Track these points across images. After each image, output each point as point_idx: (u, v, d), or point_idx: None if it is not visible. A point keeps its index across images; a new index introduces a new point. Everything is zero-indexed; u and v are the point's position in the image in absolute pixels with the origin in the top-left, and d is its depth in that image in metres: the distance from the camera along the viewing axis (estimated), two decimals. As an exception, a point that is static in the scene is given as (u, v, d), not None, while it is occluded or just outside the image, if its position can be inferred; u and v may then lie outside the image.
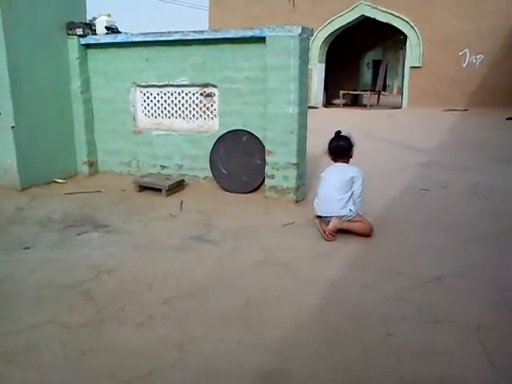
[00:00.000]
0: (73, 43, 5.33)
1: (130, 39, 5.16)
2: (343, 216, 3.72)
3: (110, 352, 2.26)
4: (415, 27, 15.76)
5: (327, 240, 3.65)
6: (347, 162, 3.88)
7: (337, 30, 17.36)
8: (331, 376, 2.07)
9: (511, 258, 3.34)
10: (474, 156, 7.05)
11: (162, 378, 2.08)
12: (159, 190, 4.92)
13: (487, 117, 12.33)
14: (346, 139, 3.88)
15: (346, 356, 2.21)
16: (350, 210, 3.72)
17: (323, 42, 17.56)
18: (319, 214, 3.87)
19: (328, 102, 19.36)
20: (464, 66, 15.45)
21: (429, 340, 2.33)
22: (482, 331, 2.39)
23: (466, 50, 15.31)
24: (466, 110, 14.52)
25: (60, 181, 5.39)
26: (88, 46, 5.43)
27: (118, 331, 2.44)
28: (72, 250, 3.51)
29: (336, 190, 3.75)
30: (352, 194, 3.74)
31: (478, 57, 15.21)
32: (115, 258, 3.35)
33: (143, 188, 5.05)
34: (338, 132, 3.96)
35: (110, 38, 5.29)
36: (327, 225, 3.73)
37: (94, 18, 5.48)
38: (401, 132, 10.05)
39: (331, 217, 3.74)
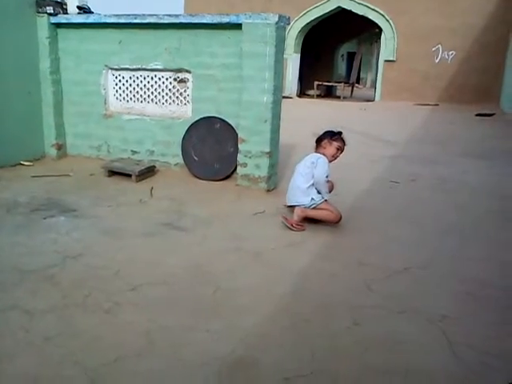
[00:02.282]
0: (42, 22, 5.16)
1: (103, 20, 5.03)
2: (304, 204, 3.73)
3: (75, 339, 2.22)
4: (390, 21, 15.89)
5: (293, 230, 3.65)
6: (320, 153, 3.85)
7: (313, 20, 17.35)
8: (298, 364, 2.08)
9: (476, 251, 3.42)
10: (443, 150, 7.19)
11: (128, 365, 2.05)
12: (129, 176, 4.84)
13: (457, 112, 12.58)
14: (325, 133, 3.88)
15: (313, 345, 2.22)
16: (313, 198, 3.73)
17: (299, 32, 17.52)
18: (286, 204, 3.91)
19: (302, 93, 19.40)
20: (436, 61, 15.68)
21: (394, 330, 2.37)
22: (445, 322, 2.44)
23: (439, 45, 15.52)
24: (437, 104, 14.77)
25: (26, 163, 5.24)
26: (59, 25, 5.26)
27: (83, 318, 2.39)
28: (37, 234, 3.42)
29: (299, 178, 3.79)
30: (315, 181, 3.73)
31: (451, 53, 15.46)
32: (82, 243, 3.28)
33: (113, 173, 4.96)
34: (340, 132, 3.94)
35: (81, 18, 5.14)
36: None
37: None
38: (373, 125, 10.16)
39: (296, 205, 3.76)
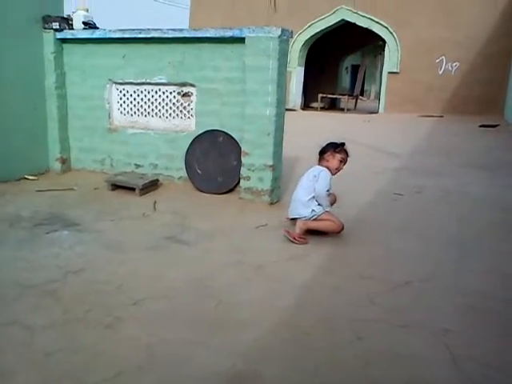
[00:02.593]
0: (48, 37, 5.22)
1: (108, 35, 5.09)
2: (305, 217, 3.73)
3: (76, 354, 2.21)
4: (394, 33, 15.96)
5: (296, 243, 3.65)
6: (323, 166, 3.85)
7: (317, 33, 17.45)
8: (300, 378, 2.07)
9: (478, 263, 3.39)
10: (447, 162, 7.17)
11: (129, 380, 2.05)
12: (133, 189, 4.86)
13: (461, 124, 12.56)
14: (328, 145, 3.88)
15: (315, 359, 2.21)
16: (313, 210, 3.72)
17: (303, 45, 17.63)
18: (288, 216, 3.92)
19: (306, 105, 19.46)
20: (440, 73, 15.71)
21: (397, 344, 2.35)
22: (448, 335, 2.42)
23: (443, 57, 15.56)
24: (442, 116, 14.77)
25: (31, 177, 5.27)
26: (64, 40, 5.32)
27: (84, 333, 2.39)
28: (40, 248, 3.43)
29: (301, 191, 3.81)
30: (316, 194, 3.73)
31: (454, 65, 15.49)
32: (84, 258, 3.29)
33: (116, 187, 4.98)
34: (343, 143, 3.93)
35: (87, 34, 5.20)
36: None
37: (73, 12, 5.38)
38: (377, 137, 10.16)
39: (298, 218, 3.77)
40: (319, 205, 3.75)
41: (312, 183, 3.75)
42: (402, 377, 2.10)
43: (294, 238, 3.66)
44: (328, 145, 3.89)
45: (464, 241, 3.85)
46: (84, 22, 5.23)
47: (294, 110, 16.71)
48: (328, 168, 3.80)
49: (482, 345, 2.35)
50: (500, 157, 7.74)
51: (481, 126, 11.85)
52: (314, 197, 3.73)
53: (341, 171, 3.88)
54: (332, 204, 3.93)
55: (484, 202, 4.98)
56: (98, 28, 5.32)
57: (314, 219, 3.72)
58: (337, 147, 3.84)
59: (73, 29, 5.28)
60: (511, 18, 14.25)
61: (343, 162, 3.84)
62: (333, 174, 3.83)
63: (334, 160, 3.80)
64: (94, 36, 5.16)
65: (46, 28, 5.19)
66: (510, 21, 14.30)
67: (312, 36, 17.52)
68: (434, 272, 3.21)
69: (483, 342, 2.38)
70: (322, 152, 3.87)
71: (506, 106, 13.96)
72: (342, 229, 3.74)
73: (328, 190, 3.75)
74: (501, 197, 5.18)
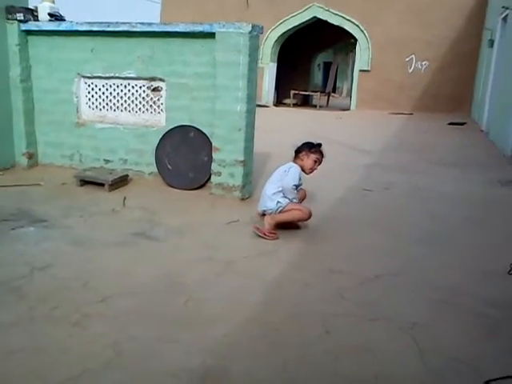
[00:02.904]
0: (12, 29, 5.06)
1: (75, 28, 4.97)
2: (271, 209, 3.76)
3: (41, 352, 2.17)
4: (365, 31, 16.11)
5: (267, 239, 3.65)
6: (296, 162, 3.88)
7: (289, 30, 17.48)
8: (268, 374, 2.07)
9: (448, 258, 3.46)
10: (417, 159, 7.29)
11: (94, 378, 2.01)
12: (102, 185, 4.77)
13: (431, 121, 12.79)
14: (304, 144, 3.90)
15: (283, 354, 2.21)
16: (279, 201, 3.75)
17: (275, 41, 17.63)
18: (258, 211, 3.98)
19: (279, 102, 19.48)
20: (410, 71, 15.94)
21: (366, 338, 2.38)
22: (416, 329, 2.46)
23: (413, 55, 15.79)
24: (411, 113, 15.00)
25: (-4, 172, 5.13)
26: (29, 32, 5.17)
27: (50, 330, 2.34)
28: (5, 245, 3.34)
29: (270, 185, 3.84)
30: (283, 187, 3.76)
31: (424, 63, 15.74)
32: (51, 254, 3.22)
33: (85, 182, 4.89)
34: (319, 144, 3.96)
35: (53, 26, 5.07)
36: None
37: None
38: (348, 133, 10.25)
39: (265, 211, 3.82)
40: (286, 198, 3.76)
41: (281, 177, 3.77)
42: (370, 371, 2.12)
43: (264, 234, 3.66)
44: (304, 144, 3.90)
45: (433, 236, 3.92)
46: (50, 14, 5.09)
47: (267, 107, 16.71)
48: (302, 167, 3.83)
49: (449, 339, 2.39)
50: (467, 154, 7.91)
51: (449, 124, 12.09)
52: (281, 190, 3.75)
53: (315, 171, 3.89)
54: (302, 200, 3.94)
55: (453, 197, 5.08)
56: (64, 20, 5.19)
57: (280, 211, 3.73)
58: (312, 147, 3.86)
59: (38, 20, 5.14)
60: (477, 20, 14.56)
61: (318, 162, 3.85)
62: (307, 174, 3.86)
63: (308, 160, 3.83)
64: (61, 28, 5.03)
65: (9, 19, 5.03)
66: (476, 22, 14.61)
67: (284, 32, 17.54)
68: (403, 267, 3.26)
69: (450, 335, 2.43)
70: (298, 151, 3.89)
71: (473, 105, 14.29)
72: (310, 216, 3.75)
73: (297, 186, 3.77)
74: (469, 193, 5.30)
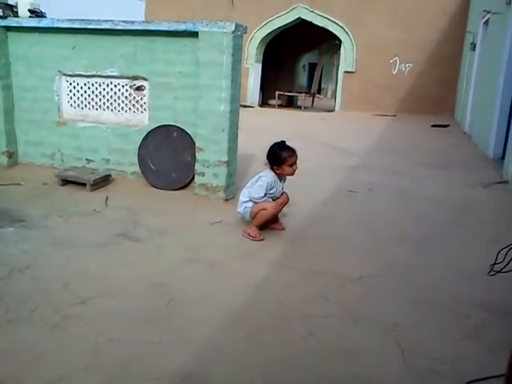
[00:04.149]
0: (-9, 25, 4.97)
1: (56, 25, 4.89)
2: (240, 213, 3.84)
3: (18, 355, 2.12)
4: (350, 33, 16.20)
5: (253, 240, 3.64)
6: (274, 171, 3.73)
7: (274, 30, 17.49)
8: (250, 376, 2.05)
9: (431, 259, 3.48)
10: (401, 160, 7.33)
11: (73, 382, 1.97)
12: (83, 185, 4.71)
13: (414, 123, 12.91)
14: (271, 156, 3.73)
15: (266, 355, 2.19)
16: (246, 207, 3.76)
17: (260, 41, 17.62)
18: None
19: (264, 102, 19.48)
20: (394, 73, 16.07)
21: (348, 339, 2.37)
22: (398, 330, 2.46)
23: (396, 58, 15.92)
24: (395, 115, 15.12)
25: (-26, 172, 5.02)
26: (9, 28, 5.07)
27: (27, 333, 2.29)
28: (-18, 246, 3.27)
29: (244, 191, 3.85)
30: (249, 197, 3.75)
31: (407, 65, 15.88)
32: (30, 255, 3.15)
33: (66, 182, 4.81)
34: (283, 141, 3.77)
35: (33, 22, 4.97)
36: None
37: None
38: (333, 135, 10.29)
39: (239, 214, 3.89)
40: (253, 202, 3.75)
41: (251, 185, 3.77)
42: (352, 372, 2.11)
43: (249, 235, 3.65)
44: (270, 156, 3.72)
45: (416, 237, 3.94)
46: (30, 10, 5.01)
47: (252, 107, 16.70)
48: (282, 175, 3.77)
49: (430, 339, 2.40)
50: (451, 156, 7.99)
51: (433, 126, 12.20)
52: (249, 200, 3.75)
53: (297, 169, 3.77)
54: (283, 205, 3.88)
55: (436, 199, 5.12)
56: (45, 17, 5.11)
57: (251, 215, 3.73)
58: (278, 160, 3.67)
59: (18, 16, 5.05)
60: (460, 23, 14.73)
61: (293, 163, 3.69)
62: (291, 175, 3.77)
63: (283, 170, 3.70)
64: (41, 25, 4.94)
65: (-13, 15, 4.95)
66: (459, 25, 14.78)
67: (269, 33, 17.54)
68: (386, 268, 3.27)
69: (432, 336, 2.43)
70: (269, 162, 3.74)
71: (456, 107, 14.46)
72: (278, 208, 3.77)
73: (264, 196, 3.70)
74: (451, 194, 5.34)
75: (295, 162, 3.72)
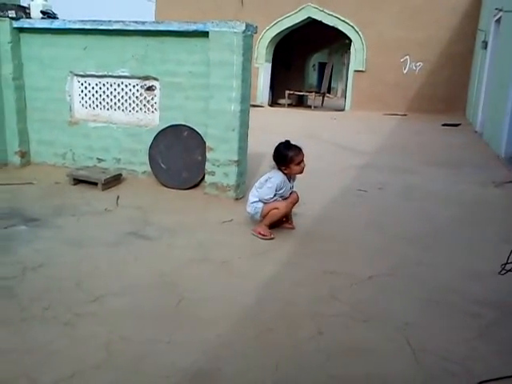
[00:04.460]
0: (4, 26, 5.02)
1: (68, 26, 4.94)
2: (250, 213, 3.84)
3: (31, 353, 2.14)
4: (360, 32, 16.14)
5: (264, 239, 3.65)
6: (282, 171, 3.72)
7: (284, 30, 17.48)
8: (260, 375, 2.06)
9: (441, 258, 3.47)
10: (411, 159, 7.30)
11: (85, 379, 1.99)
12: (95, 184, 4.75)
13: (425, 122, 12.83)
14: (276, 156, 3.72)
15: (276, 354, 2.20)
16: (256, 207, 3.76)
17: (270, 41, 17.63)
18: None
19: (273, 102, 19.48)
20: (405, 72, 15.99)
21: (358, 338, 2.37)
22: (408, 329, 2.45)
23: (407, 56, 15.85)
24: (406, 114, 15.05)
25: (-13, 171, 5.09)
26: (22, 30, 5.14)
27: (41, 331, 2.31)
28: (-4, 244, 3.31)
29: (252, 191, 3.86)
30: (259, 198, 3.75)
31: (418, 64, 15.79)
32: (43, 254, 3.19)
33: (78, 181, 4.86)
34: (287, 141, 3.76)
35: (45, 24, 5.03)
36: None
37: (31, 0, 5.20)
38: (342, 134, 10.27)
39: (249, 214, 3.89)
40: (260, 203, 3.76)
41: (261, 186, 3.76)
42: (363, 371, 2.11)
43: (259, 233, 3.66)
44: (276, 156, 3.71)
45: (426, 236, 3.93)
46: (42, 12, 5.06)
47: (262, 107, 16.71)
48: (291, 174, 3.76)
49: (441, 339, 2.39)
50: (462, 155, 7.94)
51: (443, 125, 12.12)
52: (258, 201, 3.75)
53: (305, 167, 3.77)
54: (294, 204, 3.88)
55: (447, 198, 5.09)
56: (57, 18, 5.15)
57: (261, 214, 3.74)
58: (284, 161, 3.66)
59: (30, 18, 5.10)
60: (471, 21, 14.62)
61: (301, 162, 3.68)
62: (300, 174, 3.77)
63: (291, 169, 3.69)
64: (53, 26, 5.00)
65: (0, 16, 4.99)
66: (470, 23, 14.67)
67: (279, 33, 17.54)
68: (396, 267, 3.26)
69: (443, 336, 2.42)
70: (276, 163, 3.74)
71: (468, 106, 14.35)
72: (288, 207, 3.76)
73: (275, 195, 3.69)
74: (462, 193, 5.31)
75: (302, 160, 3.70)
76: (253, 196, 3.82)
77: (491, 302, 2.80)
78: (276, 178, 3.70)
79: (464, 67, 14.87)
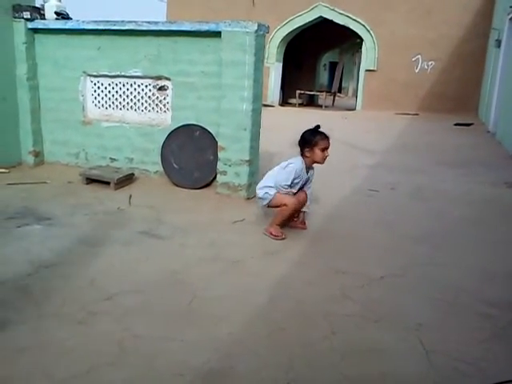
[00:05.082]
0: (19, 27, 5.08)
1: (82, 26, 4.99)
2: (260, 198, 3.75)
3: (48, 350, 2.17)
4: (371, 31, 16.09)
5: (278, 239, 3.65)
6: (307, 161, 3.69)
7: (295, 29, 17.48)
8: (274, 373, 2.07)
9: (453, 258, 3.45)
10: (422, 159, 7.27)
11: (100, 376, 2.01)
12: (107, 183, 4.79)
13: (436, 122, 12.75)
14: (302, 138, 3.70)
15: (289, 353, 2.21)
16: (266, 192, 3.68)
17: (281, 41, 17.63)
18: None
19: (284, 101, 19.48)
20: (416, 71, 15.91)
21: (371, 338, 2.37)
22: (421, 329, 2.45)
23: (419, 56, 15.76)
24: (417, 114, 14.97)
25: (2, 170, 5.14)
26: (36, 30, 5.20)
27: (56, 328, 2.34)
28: (10, 243, 3.35)
29: (267, 177, 3.79)
30: (275, 184, 3.68)
31: (430, 63, 15.71)
32: (57, 253, 3.22)
33: (91, 180, 4.90)
34: (317, 126, 3.74)
35: (59, 24, 5.09)
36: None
37: (43, 2, 5.25)
38: (353, 133, 10.24)
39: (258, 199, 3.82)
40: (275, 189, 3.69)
41: (278, 172, 3.71)
42: (376, 371, 2.11)
43: (271, 234, 3.67)
44: (302, 138, 3.70)
45: (438, 236, 3.91)
46: (56, 12, 5.11)
47: (272, 106, 16.72)
48: (312, 161, 3.69)
49: (454, 339, 2.38)
50: (474, 154, 7.88)
51: (455, 125, 12.04)
52: (273, 186, 3.67)
53: (328, 157, 3.70)
54: (302, 203, 3.82)
55: (459, 198, 5.06)
56: (71, 19, 5.20)
57: (269, 202, 3.70)
58: (311, 141, 3.64)
59: (44, 19, 5.16)
60: (484, 20, 14.50)
61: (326, 149, 3.64)
62: (321, 163, 3.70)
63: (314, 154, 3.64)
64: (67, 27, 5.05)
65: (16, 17, 5.05)
66: (483, 21, 14.56)
67: (290, 32, 17.54)
68: (407, 266, 3.25)
69: (456, 336, 2.41)
70: (301, 147, 3.71)
71: (480, 105, 14.23)
72: (299, 203, 3.73)
73: (291, 186, 3.67)
74: (474, 193, 5.28)
75: (327, 148, 3.65)
76: (267, 180, 3.73)
77: (504, 303, 2.78)
78: (296, 164, 3.66)
79: (476, 66, 14.76)
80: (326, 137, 3.66)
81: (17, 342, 2.22)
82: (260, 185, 3.80)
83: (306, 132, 3.72)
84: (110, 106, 5.29)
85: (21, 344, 2.20)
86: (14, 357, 2.11)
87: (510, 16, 10.18)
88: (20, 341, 2.23)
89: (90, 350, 2.18)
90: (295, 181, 3.70)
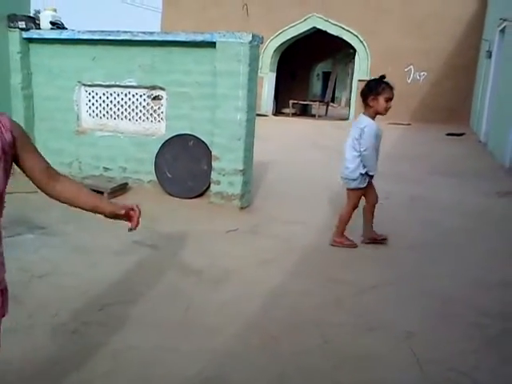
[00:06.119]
0: (14, 36, 5.10)
1: (77, 36, 5.01)
2: (350, 179, 3.69)
3: (38, 362, 2.16)
4: (364, 42, 16.23)
5: (354, 247, 3.77)
6: (369, 113, 3.64)
7: (289, 40, 17.59)
8: (267, 382, 2.07)
9: (445, 268, 3.47)
10: (415, 169, 7.31)
11: (93, 387, 2.00)
12: (101, 193, 4.77)
13: (429, 132, 12.84)
14: (367, 86, 3.62)
15: (282, 363, 2.21)
16: (361, 173, 3.64)
17: (275, 51, 17.74)
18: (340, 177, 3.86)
19: (278, 111, 19.55)
20: (409, 81, 16.04)
21: (364, 347, 2.38)
22: (413, 338, 2.46)
23: (411, 66, 15.91)
24: (409, 124, 15.07)
25: (-5, 180, 5.12)
26: (31, 40, 5.21)
27: (48, 339, 2.33)
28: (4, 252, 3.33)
29: (348, 147, 3.71)
30: (362, 155, 3.60)
31: (422, 74, 15.85)
32: (50, 262, 3.22)
33: (85, 190, 4.88)
34: (383, 76, 3.64)
35: (54, 34, 5.10)
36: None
37: (38, 12, 5.27)
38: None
39: (345, 180, 3.76)
40: (364, 167, 3.64)
41: (357, 142, 3.62)
42: (369, 380, 2.12)
43: (342, 243, 3.76)
44: (366, 86, 3.63)
45: (430, 246, 3.94)
46: (51, 22, 5.13)
47: (266, 116, 16.77)
48: (375, 111, 3.62)
49: (445, 348, 2.40)
50: (466, 164, 7.94)
51: (447, 135, 12.13)
52: (359, 156, 3.61)
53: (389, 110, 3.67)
54: (373, 205, 3.93)
55: (451, 208, 5.10)
56: (66, 28, 5.22)
57: (354, 188, 3.72)
58: (375, 89, 3.56)
59: (40, 28, 5.17)
60: (476, 31, 14.67)
61: (390, 99, 3.58)
62: (383, 114, 3.64)
63: (377, 103, 3.57)
64: (62, 36, 5.07)
65: (11, 27, 5.07)
66: (474, 33, 14.73)
67: (284, 42, 17.65)
68: (400, 276, 3.27)
69: (447, 345, 2.43)
70: (364, 96, 3.64)
71: (472, 115, 14.36)
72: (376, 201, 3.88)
73: (377, 145, 3.61)
74: (466, 203, 5.31)
75: (391, 99, 3.59)
76: (351, 152, 3.68)
77: (496, 312, 2.80)
78: (369, 125, 3.58)
79: (468, 77, 14.91)
80: (391, 87, 3.59)
81: (5, 352, 2.19)
82: (345, 165, 3.74)
83: (371, 81, 3.68)
84: (104, 115, 5.29)
85: (10, 354, 2.16)
86: (2, 368, 2.08)
87: (500, 28, 10.32)
88: (9, 351, 2.19)
89: (83, 361, 2.17)
90: (377, 139, 3.63)
